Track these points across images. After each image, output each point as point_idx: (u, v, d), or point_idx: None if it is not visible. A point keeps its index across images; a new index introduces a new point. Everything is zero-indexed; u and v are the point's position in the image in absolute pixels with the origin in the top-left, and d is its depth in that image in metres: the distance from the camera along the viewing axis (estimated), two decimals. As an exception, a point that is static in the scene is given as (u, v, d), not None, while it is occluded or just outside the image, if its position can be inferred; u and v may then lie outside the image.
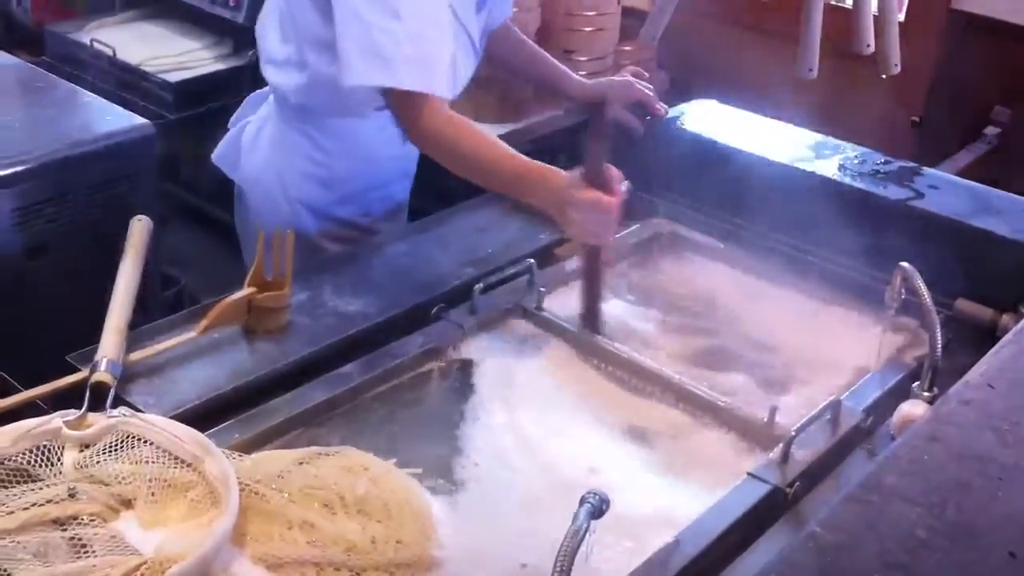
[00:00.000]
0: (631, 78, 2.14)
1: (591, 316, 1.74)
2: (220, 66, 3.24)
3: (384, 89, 1.77)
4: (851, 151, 2.06)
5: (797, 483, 1.38)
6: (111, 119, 2.33)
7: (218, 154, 2.14)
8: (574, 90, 2.15)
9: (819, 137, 2.13)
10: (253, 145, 2.05)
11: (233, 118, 2.17)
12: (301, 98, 1.93)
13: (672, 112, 2.20)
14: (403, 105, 1.77)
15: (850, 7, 2.03)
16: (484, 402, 1.55)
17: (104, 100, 2.42)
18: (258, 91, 2.16)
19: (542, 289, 1.77)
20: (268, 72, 1.97)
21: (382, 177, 2.09)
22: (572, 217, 1.62)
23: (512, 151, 1.73)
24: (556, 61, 2.18)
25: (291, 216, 2.00)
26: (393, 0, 1.70)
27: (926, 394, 1.51)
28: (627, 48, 2.81)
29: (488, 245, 1.91)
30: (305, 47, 1.87)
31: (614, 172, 1.63)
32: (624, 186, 1.97)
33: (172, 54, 3.27)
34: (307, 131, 1.98)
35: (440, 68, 1.75)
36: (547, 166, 1.68)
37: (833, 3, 2.05)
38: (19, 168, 2.13)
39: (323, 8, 1.78)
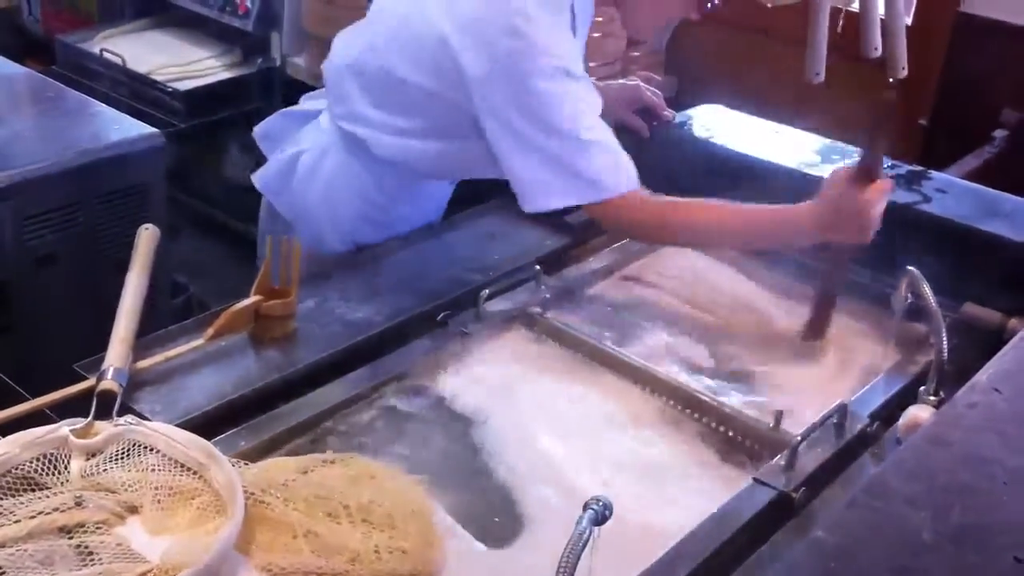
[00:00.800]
0: (640, 83, 2.14)
1: (821, 323, 1.76)
2: (229, 75, 3.26)
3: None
4: (858, 155, 2.05)
5: (803, 488, 1.38)
6: (120, 128, 2.35)
7: (261, 178, 2.05)
8: None
9: (826, 141, 2.13)
10: (310, 178, 1.97)
11: (260, 130, 2.10)
12: (395, 156, 1.89)
13: (679, 117, 2.20)
14: (605, 213, 1.77)
15: (857, 11, 2.03)
16: (490, 409, 1.55)
17: (114, 109, 2.44)
18: (292, 109, 2.10)
19: (548, 296, 1.77)
20: (358, 129, 1.89)
21: (432, 210, 2.06)
22: (871, 217, 1.63)
23: (734, 204, 1.74)
24: None
25: (339, 252, 1.96)
26: (569, 126, 1.71)
27: (932, 398, 1.50)
28: (635, 53, 2.81)
29: (495, 252, 1.91)
30: (407, 118, 1.84)
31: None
32: None
33: (182, 63, 3.29)
34: (378, 178, 1.93)
35: (628, 163, 1.76)
36: (781, 206, 1.71)
37: (840, 7, 2.05)
38: (29, 177, 2.15)
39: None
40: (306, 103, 2.10)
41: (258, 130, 2.12)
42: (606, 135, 1.75)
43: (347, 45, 1.93)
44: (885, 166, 1.99)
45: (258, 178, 2.05)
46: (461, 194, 2.11)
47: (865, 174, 1.65)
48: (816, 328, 1.77)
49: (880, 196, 1.65)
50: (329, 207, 1.95)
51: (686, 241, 1.87)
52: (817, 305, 1.77)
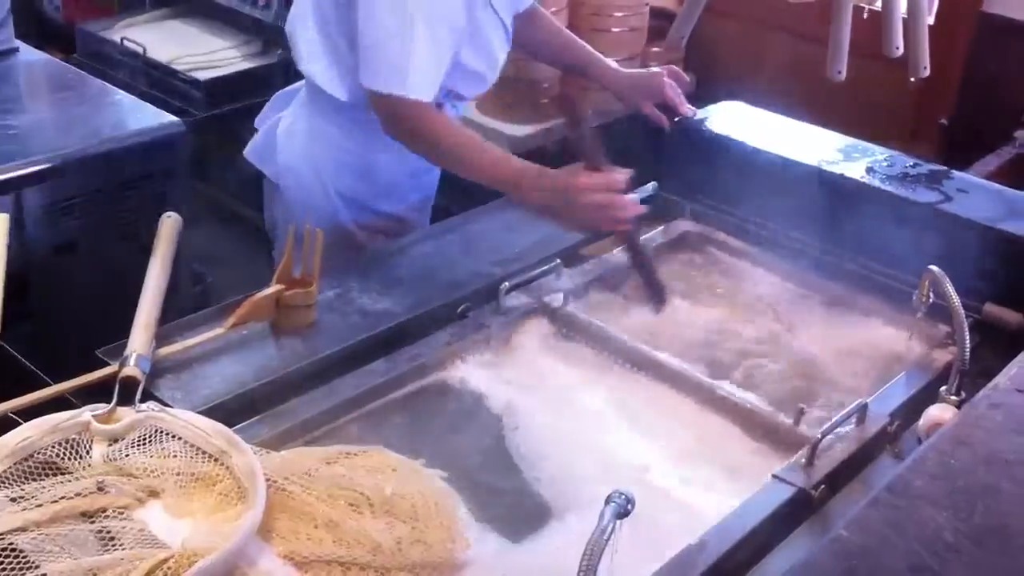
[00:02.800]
0: (665, 75, 2.12)
1: (657, 294, 1.77)
2: (249, 65, 3.27)
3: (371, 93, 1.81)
4: (880, 154, 2.05)
5: (823, 486, 1.37)
6: (142, 117, 2.36)
7: (251, 150, 2.14)
8: (608, 80, 2.14)
9: (847, 139, 2.12)
10: (288, 138, 2.06)
11: (259, 117, 2.18)
12: (339, 92, 1.93)
13: (699, 114, 2.19)
14: (379, 106, 1.82)
15: (879, 9, 2.03)
16: (510, 401, 1.55)
17: (135, 98, 2.45)
18: (284, 89, 2.16)
19: (568, 289, 1.77)
20: (308, 67, 1.96)
21: (414, 166, 2.08)
22: (581, 203, 1.67)
23: (504, 153, 1.78)
24: (589, 47, 2.15)
25: (329, 208, 2.01)
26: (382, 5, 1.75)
27: (954, 398, 1.50)
28: (655, 49, 2.80)
29: (515, 245, 1.91)
30: (344, 41, 1.89)
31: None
32: (651, 185, 1.98)
33: (202, 52, 3.30)
34: (341, 123, 1.99)
35: (415, 70, 1.78)
36: (540, 166, 1.73)
37: (863, 5, 2.04)
38: (51, 165, 2.16)
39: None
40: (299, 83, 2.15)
41: (259, 118, 2.18)
42: (422, 35, 1.76)
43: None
44: (907, 164, 2.00)
45: (248, 150, 2.14)
46: (482, 188, 2.12)
47: (587, 163, 1.69)
48: (656, 300, 1.78)
49: (594, 183, 1.67)
50: (309, 162, 2.02)
51: (457, 172, 1.88)
52: (645, 283, 1.79)
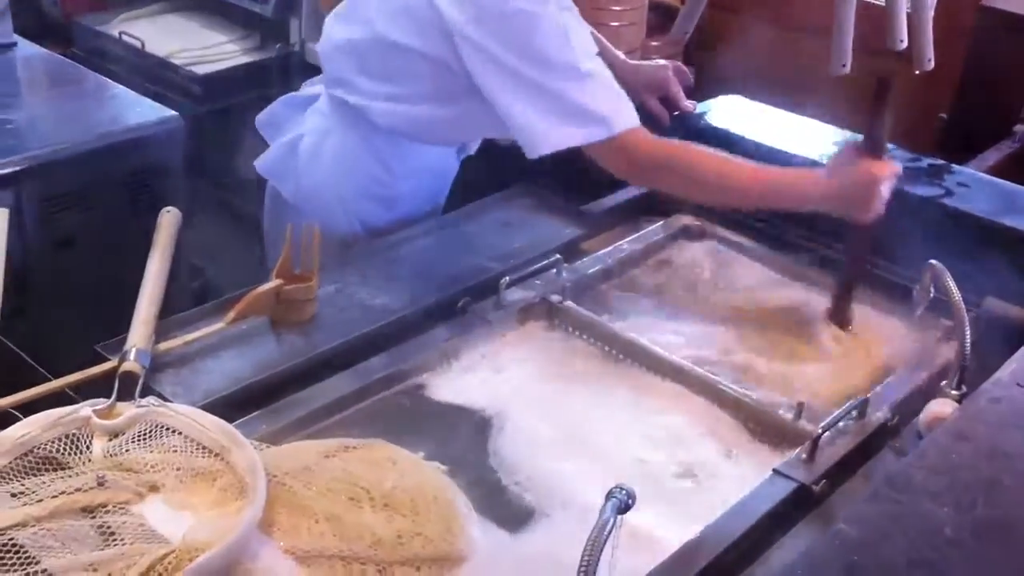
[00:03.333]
0: (670, 69, 2.11)
1: (844, 308, 1.77)
2: (247, 59, 3.26)
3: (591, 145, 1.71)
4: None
5: (823, 480, 1.37)
6: (140, 111, 2.35)
7: (265, 164, 2.05)
8: (612, 69, 2.09)
9: (846, 133, 2.12)
10: (312, 160, 1.97)
11: (262, 119, 2.11)
12: (384, 122, 1.87)
13: (699, 108, 2.19)
14: (609, 152, 1.71)
15: (882, 3, 2.02)
16: (510, 396, 1.55)
17: (133, 92, 2.44)
18: (293, 95, 2.10)
19: (568, 284, 1.77)
20: (353, 98, 1.88)
21: (437, 192, 2.06)
22: (879, 192, 1.64)
23: (742, 159, 1.71)
24: (599, 35, 2.08)
25: (346, 231, 1.95)
26: (565, 57, 1.66)
27: (954, 393, 1.50)
28: (655, 43, 2.80)
29: (515, 240, 1.91)
30: (402, 88, 1.83)
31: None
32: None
33: (200, 47, 3.29)
34: (377, 152, 1.92)
35: (628, 100, 1.72)
36: (800, 170, 1.73)
37: (865, -1, 2.04)
38: (49, 159, 2.16)
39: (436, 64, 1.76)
40: (306, 89, 2.10)
41: (260, 118, 2.11)
42: (604, 68, 1.71)
43: (340, 21, 1.93)
44: (906, 159, 1.99)
45: (260, 164, 2.05)
46: (476, 181, 2.11)
47: (871, 151, 1.68)
48: (839, 313, 1.77)
49: (887, 172, 1.66)
50: (334, 186, 1.95)
51: (688, 188, 1.78)
52: (839, 290, 1.78)
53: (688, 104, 2.12)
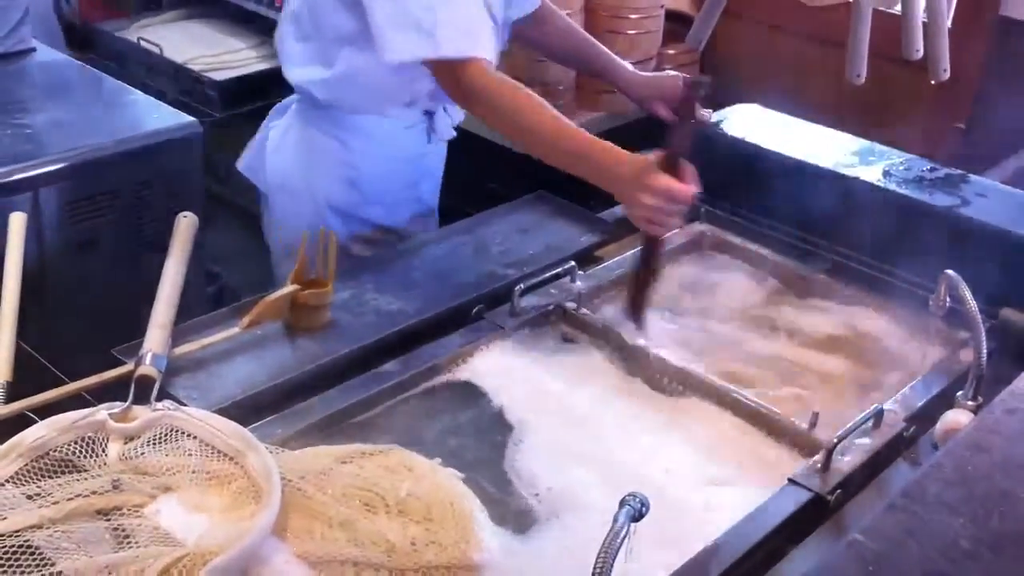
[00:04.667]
0: (680, 80, 2.10)
1: (637, 309, 1.73)
2: (264, 66, 3.26)
3: (428, 62, 1.75)
4: (896, 157, 2.04)
5: (838, 490, 1.37)
6: (158, 117, 2.37)
7: (244, 164, 2.15)
8: (623, 82, 2.10)
9: (863, 143, 2.11)
10: (278, 150, 2.05)
11: (261, 127, 2.16)
12: (326, 95, 1.93)
13: (715, 116, 2.19)
14: (449, 73, 1.75)
15: (898, 12, 2.01)
16: (524, 403, 1.55)
17: (151, 98, 2.46)
18: (282, 101, 2.15)
19: (583, 291, 1.77)
20: (292, 74, 1.97)
21: (409, 177, 2.07)
22: (643, 202, 1.59)
23: (576, 127, 1.70)
24: (605, 48, 2.12)
25: (318, 220, 1.97)
26: None
27: (970, 403, 1.49)
28: (671, 51, 2.80)
29: (529, 247, 1.91)
30: (328, 43, 1.88)
31: (689, 166, 1.62)
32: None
33: (217, 53, 3.30)
34: (333, 131, 1.98)
35: (481, 30, 1.74)
36: (617, 147, 1.65)
37: (881, 8, 2.03)
38: (67, 164, 2.17)
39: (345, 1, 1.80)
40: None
41: (261, 127, 2.17)
42: None
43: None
44: (923, 168, 1.99)
45: (242, 165, 2.15)
46: (495, 190, 2.12)
47: (669, 167, 1.60)
48: (634, 315, 1.73)
49: (665, 188, 1.57)
50: (302, 171, 2.01)
51: (522, 139, 1.78)
52: (633, 292, 1.74)
53: (704, 113, 2.11)
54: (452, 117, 2.07)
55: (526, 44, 2.13)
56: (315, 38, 1.91)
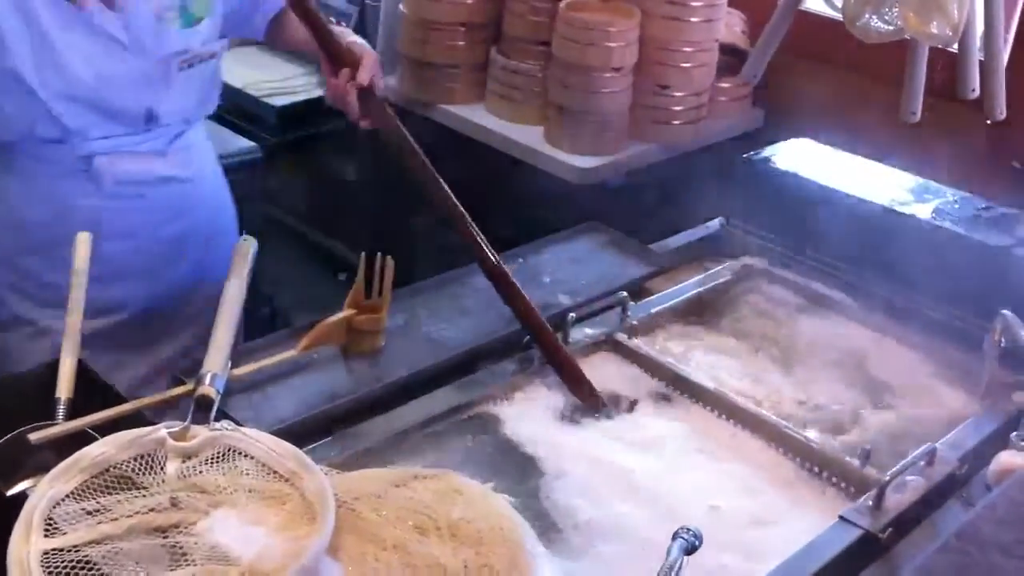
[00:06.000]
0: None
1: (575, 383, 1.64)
2: (321, 92, 3.31)
3: None
4: (951, 195, 2.03)
5: (889, 529, 1.36)
6: (219, 141, 2.41)
7: None
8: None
9: (917, 179, 2.10)
10: None
11: None
12: None
13: (767, 150, 2.20)
14: None
15: (955, 51, 2.01)
16: (573, 433, 1.56)
17: (211, 122, 2.50)
18: None
19: (635, 323, 1.78)
20: None
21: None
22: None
23: None
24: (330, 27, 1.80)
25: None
26: None
27: (1025, 444, 1.48)
28: (724, 84, 2.80)
29: (582, 276, 1.93)
30: None
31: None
32: (718, 220, 1.94)
33: (275, 79, 3.35)
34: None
35: None
36: None
37: (940, 46, 2.02)
38: (129, 186, 2.20)
39: None
40: None
41: None
42: None
43: None
44: (978, 207, 1.98)
45: None
46: (545, 219, 2.12)
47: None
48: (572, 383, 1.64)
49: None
50: None
51: None
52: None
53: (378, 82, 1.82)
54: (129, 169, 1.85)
55: (279, 47, 2.10)
56: None
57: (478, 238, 1.68)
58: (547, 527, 1.38)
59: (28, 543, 1.14)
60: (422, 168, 1.70)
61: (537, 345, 1.66)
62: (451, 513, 1.23)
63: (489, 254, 1.68)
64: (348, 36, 1.86)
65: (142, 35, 1.77)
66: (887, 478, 1.39)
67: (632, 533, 1.37)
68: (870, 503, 1.39)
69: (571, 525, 1.39)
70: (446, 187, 1.69)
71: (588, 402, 1.62)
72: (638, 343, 1.74)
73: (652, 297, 1.91)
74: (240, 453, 1.31)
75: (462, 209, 1.69)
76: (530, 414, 1.60)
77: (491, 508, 1.26)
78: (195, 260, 1.98)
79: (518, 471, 1.49)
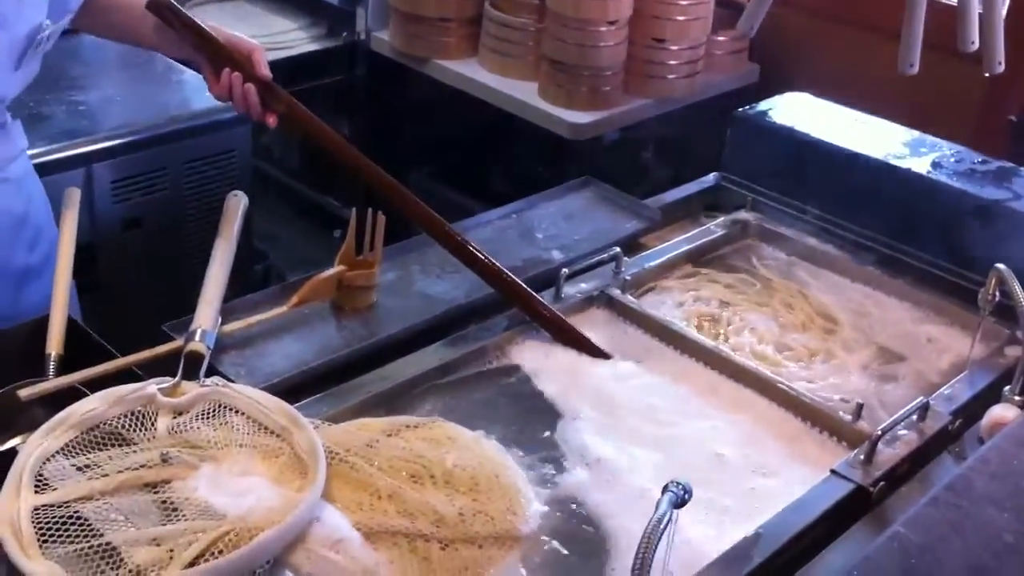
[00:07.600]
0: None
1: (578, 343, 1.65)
2: (314, 47, 3.28)
3: None
4: (947, 149, 2.02)
5: (881, 483, 1.36)
6: (208, 96, 2.37)
7: None
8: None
9: (914, 133, 2.09)
10: None
11: None
12: None
13: (763, 104, 2.18)
14: None
15: (953, 4, 1.99)
16: (566, 388, 1.56)
17: (202, 77, 2.47)
18: None
19: (628, 278, 1.77)
20: None
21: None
22: None
23: None
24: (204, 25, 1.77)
25: None
26: None
27: (1017, 398, 1.48)
28: (720, 38, 2.78)
29: (574, 232, 1.92)
30: None
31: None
32: (713, 175, 1.93)
33: (268, 33, 3.32)
34: None
35: None
36: None
37: (935, -1, 2.00)
38: (118, 141, 2.20)
39: None
40: None
41: None
42: None
43: None
44: (974, 160, 1.97)
45: None
46: (541, 175, 2.12)
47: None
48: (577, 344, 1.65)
49: None
50: None
51: None
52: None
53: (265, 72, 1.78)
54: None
55: (103, 34, 1.89)
56: None
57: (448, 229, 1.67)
58: (542, 480, 1.37)
59: (18, 499, 1.15)
60: (346, 151, 1.68)
61: (533, 319, 1.65)
62: (445, 461, 1.23)
63: (453, 235, 1.66)
64: (222, 31, 1.78)
65: (4, 8, 1.55)
66: (879, 432, 1.38)
67: (629, 479, 1.37)
68: (862, 457, 1.39)
69: (574, 469, 1.39)
70: (381, 170, 1.66)
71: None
72: (631, 298, 1.74)
73: (646, 252, 1.90)
74: (231, 409, 1.31)
75: (405, 189, 1.66)
76: (523, 367, 1.60)
77: (484, 455, 1.27)
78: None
79: (515, 423, 1.48)
